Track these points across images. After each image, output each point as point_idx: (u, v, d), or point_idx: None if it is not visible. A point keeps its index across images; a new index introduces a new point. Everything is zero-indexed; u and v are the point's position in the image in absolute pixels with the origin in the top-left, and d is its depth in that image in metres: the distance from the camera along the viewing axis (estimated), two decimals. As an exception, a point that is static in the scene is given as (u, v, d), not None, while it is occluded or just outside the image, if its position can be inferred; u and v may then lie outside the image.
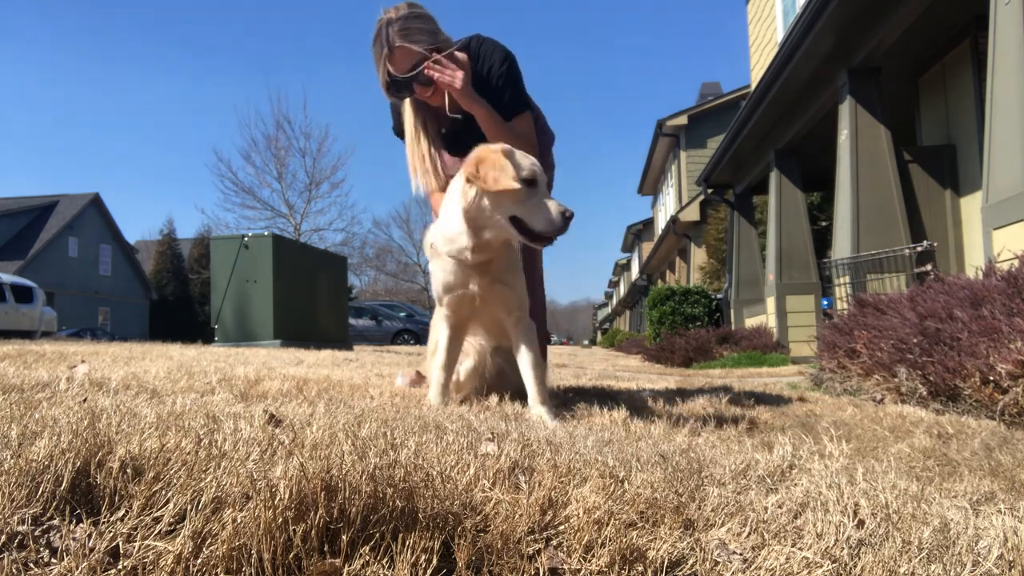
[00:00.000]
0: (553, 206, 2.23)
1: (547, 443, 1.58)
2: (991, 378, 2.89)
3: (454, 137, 2.91)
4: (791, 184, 10.87)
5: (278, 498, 0.94)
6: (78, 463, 1.03)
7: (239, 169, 35.81)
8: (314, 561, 0.90)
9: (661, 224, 27.69)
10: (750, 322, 12.47)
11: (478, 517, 1.03)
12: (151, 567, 0.86)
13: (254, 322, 11.45)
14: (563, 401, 2.96)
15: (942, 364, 3.40)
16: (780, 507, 1.22)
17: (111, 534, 0.89)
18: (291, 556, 0.89)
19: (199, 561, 0.87)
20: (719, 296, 15.09)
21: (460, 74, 2.66)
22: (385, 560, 0.91)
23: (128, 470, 1.04)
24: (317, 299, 12.99)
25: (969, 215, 7.96)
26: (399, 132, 3.02)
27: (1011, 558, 1.06)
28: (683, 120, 22.95)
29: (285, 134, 35.00)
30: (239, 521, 0.91)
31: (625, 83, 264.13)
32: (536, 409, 2.37)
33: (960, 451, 1.97)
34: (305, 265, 12.76)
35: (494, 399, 2.57)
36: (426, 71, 2.68)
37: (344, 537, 0.92)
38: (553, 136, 3.24)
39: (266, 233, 11.95)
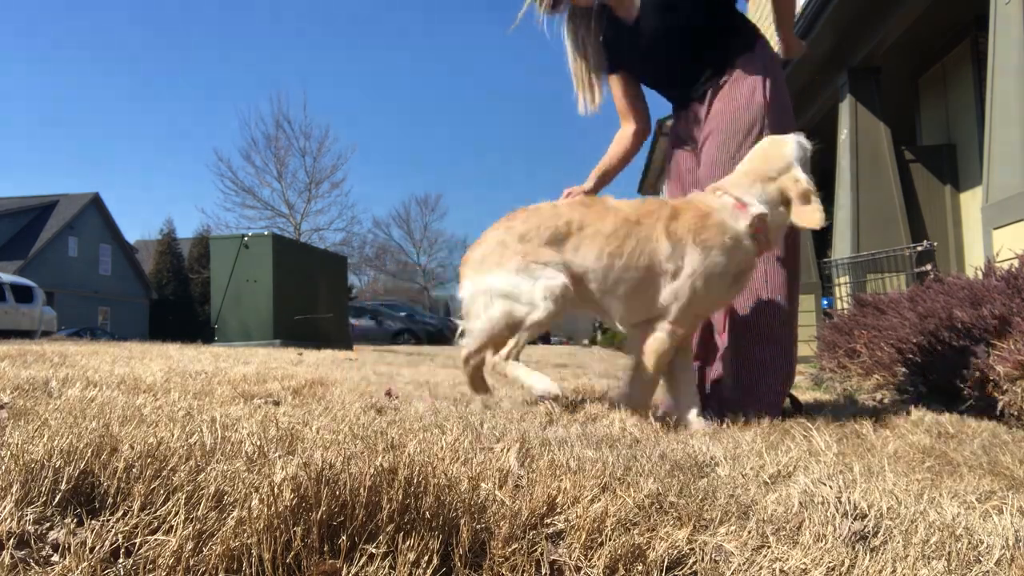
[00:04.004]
0: None
1: (547, 442, 1.58)
2: (991, 378, 2.89)
3: (630, 42, 2.64)
4: (791, 184, 10.83)
5: (279, 497, 0.94)
6: (80, 462, 1.03)
7: (239, 169, 35.58)
8: (314, 561, 0.90)
9: (661, 224, 27.57)
10: (750, 322, 12.40)
11: (479, 517, 1.03)
12: (151, 566, 0.86)
13: (254, 322, 11.45)
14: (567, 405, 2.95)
15: (942, 364, 3.40)
16: (779, 506, 1.22)
17: (112, 533, 0.89)
18: (291, 556, 0.89)
19: (199, 560, 0.87)
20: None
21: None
22: (386, 560, 0.91)
23: (129, 468, 1.04)
24: (317, 299, 12.98)
25: (969, 214, 7.96)
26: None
27: (1012, 557, 1.06)
28: (683, 120, 22.85)
29: (285, 134, 34.95)
30: (239, 520, 0.91)
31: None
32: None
33: (960, 450, 1.97)
34: (305, 265, 12.75)
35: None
36: None
37: (344, 536, 0.92)
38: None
39: (266, 233, 11.95)
